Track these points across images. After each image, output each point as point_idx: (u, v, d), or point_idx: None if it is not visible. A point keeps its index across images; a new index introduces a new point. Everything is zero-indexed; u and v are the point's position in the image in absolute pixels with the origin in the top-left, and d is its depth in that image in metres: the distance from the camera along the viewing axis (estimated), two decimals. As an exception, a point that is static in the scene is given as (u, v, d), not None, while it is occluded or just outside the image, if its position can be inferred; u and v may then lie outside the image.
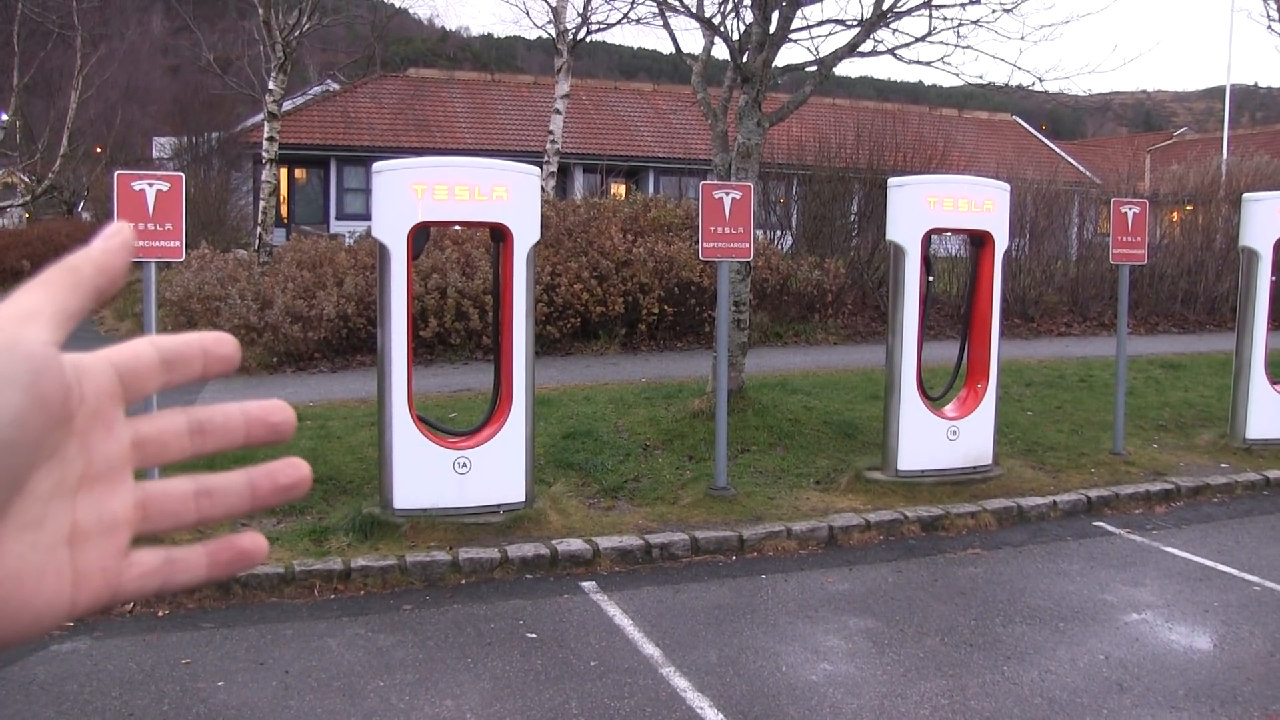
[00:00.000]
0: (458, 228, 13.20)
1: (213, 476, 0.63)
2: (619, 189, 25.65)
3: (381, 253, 7.34)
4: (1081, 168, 33.93)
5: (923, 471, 8.69)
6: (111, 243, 0.60)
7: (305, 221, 29.82)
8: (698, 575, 7.12)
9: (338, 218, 30.14)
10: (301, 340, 13.11)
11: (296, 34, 17.66)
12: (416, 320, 12.37)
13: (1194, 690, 5.39)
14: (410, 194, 7.24)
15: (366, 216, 19.92)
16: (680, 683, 5.47)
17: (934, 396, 9.03)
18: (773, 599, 6.70)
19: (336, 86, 32.84)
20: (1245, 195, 10.38)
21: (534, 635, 6.08)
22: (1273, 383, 10.18)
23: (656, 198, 18.58)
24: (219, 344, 0.62)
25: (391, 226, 7.29)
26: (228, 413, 0.62)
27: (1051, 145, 38.54)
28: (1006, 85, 11.39)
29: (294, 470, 0.64)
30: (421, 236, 7.49)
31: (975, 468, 8.85)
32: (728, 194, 8.30)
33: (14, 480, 0.53)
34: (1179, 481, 9.07)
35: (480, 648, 5.89)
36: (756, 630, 6.18)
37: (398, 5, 29.04)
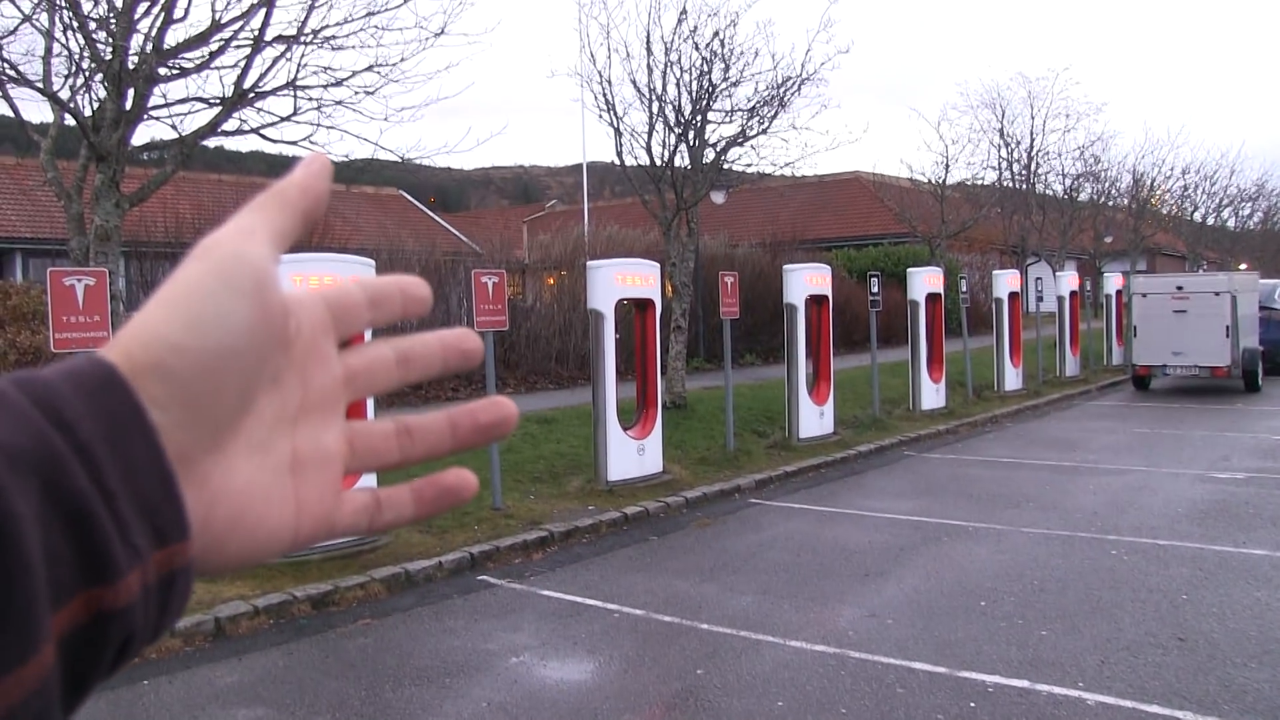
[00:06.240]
0: None
1: (414, 416, 0.63)
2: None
3: None
4: (464, 237, 35.71)
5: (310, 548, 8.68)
6: (312, 167, 0.61)
7: None
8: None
9: None
10: None
11: None
12: None
13: (563, 718, 5.87)
14: None
15: None
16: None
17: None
18: (155, 705, 6.37)
19: None
20: (589, 263, 11.54)
21: None
22: (625, 427, 11.34)
23: (18, 284, 17.09)
24: (414, 285, 0.64)
25: None
26: (426, 341, 0.64)
27: (435, 217, 40.24)
28: (370, 161, 11.81)
29: (496, 409, 0.63)
30: None
31: (361, 540, 9.00)
32: (80, 280, 7.85)
33: (244, 393, 0.53)
34: (552, 528, 9.81)
35: None
36: (135, 739, 5.86)
37: None
